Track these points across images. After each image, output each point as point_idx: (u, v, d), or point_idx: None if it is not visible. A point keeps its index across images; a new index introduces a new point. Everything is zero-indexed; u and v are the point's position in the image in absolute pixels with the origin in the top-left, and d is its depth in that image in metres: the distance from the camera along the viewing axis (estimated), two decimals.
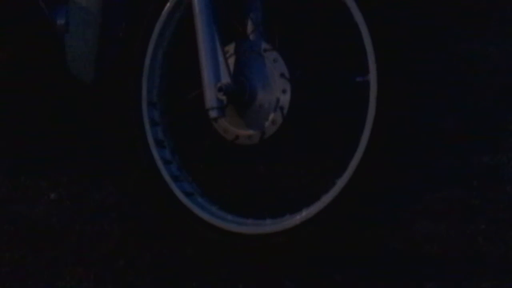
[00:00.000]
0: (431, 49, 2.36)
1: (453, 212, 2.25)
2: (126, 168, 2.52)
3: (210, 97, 2.24)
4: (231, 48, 2.31)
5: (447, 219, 2.25)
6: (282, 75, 2.26)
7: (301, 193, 2.34)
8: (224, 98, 2.24)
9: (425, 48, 2.35)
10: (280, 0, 2.36)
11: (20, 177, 2.64)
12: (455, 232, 2.24)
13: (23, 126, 2.62)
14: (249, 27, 2.33)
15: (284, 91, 2.26)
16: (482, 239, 2.22)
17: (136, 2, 2.45)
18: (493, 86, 2.32)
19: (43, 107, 2.61)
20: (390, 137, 2.19)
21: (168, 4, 2.36)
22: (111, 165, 2.56)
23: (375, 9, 2.20)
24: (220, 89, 2.24)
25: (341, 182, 2.19)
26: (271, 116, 2.26)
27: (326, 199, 2.21)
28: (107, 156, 2.57)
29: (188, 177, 2.39)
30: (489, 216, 2.23)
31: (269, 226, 2.27)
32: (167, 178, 2.37)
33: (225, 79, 2.25)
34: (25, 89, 2.57)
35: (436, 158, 2.30)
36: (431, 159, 2.30)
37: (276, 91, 2.26)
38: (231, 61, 2.30)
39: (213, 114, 2.25)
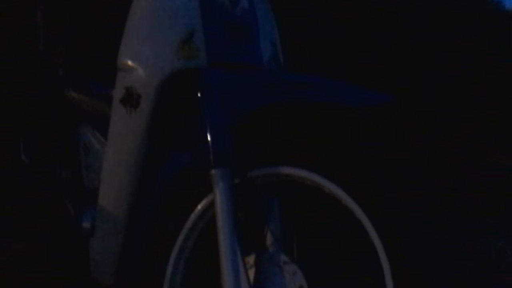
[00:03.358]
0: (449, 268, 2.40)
1: None
2: None
3: None
4: (251, 259, 2.35)
5: None
6: None
7: None
8: None
9: (444, 269, 2.40)
10: (298, 211, 2.43)
11: None
12: None
13: None
14: (268, 239, 2.39)
15: None
16: None
17: (161, 212, 2.52)
18: None
19: None
20: None
21: (192, 215, 2.43)
22: None
23: (390, 229, 2.25)
24: None
25: None
26: None
27: None
28: None
29: None
30: None
31: None
32: None
33: None
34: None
35: None
36: None
37: None
38: (251, 272, 2.34)
39: None
